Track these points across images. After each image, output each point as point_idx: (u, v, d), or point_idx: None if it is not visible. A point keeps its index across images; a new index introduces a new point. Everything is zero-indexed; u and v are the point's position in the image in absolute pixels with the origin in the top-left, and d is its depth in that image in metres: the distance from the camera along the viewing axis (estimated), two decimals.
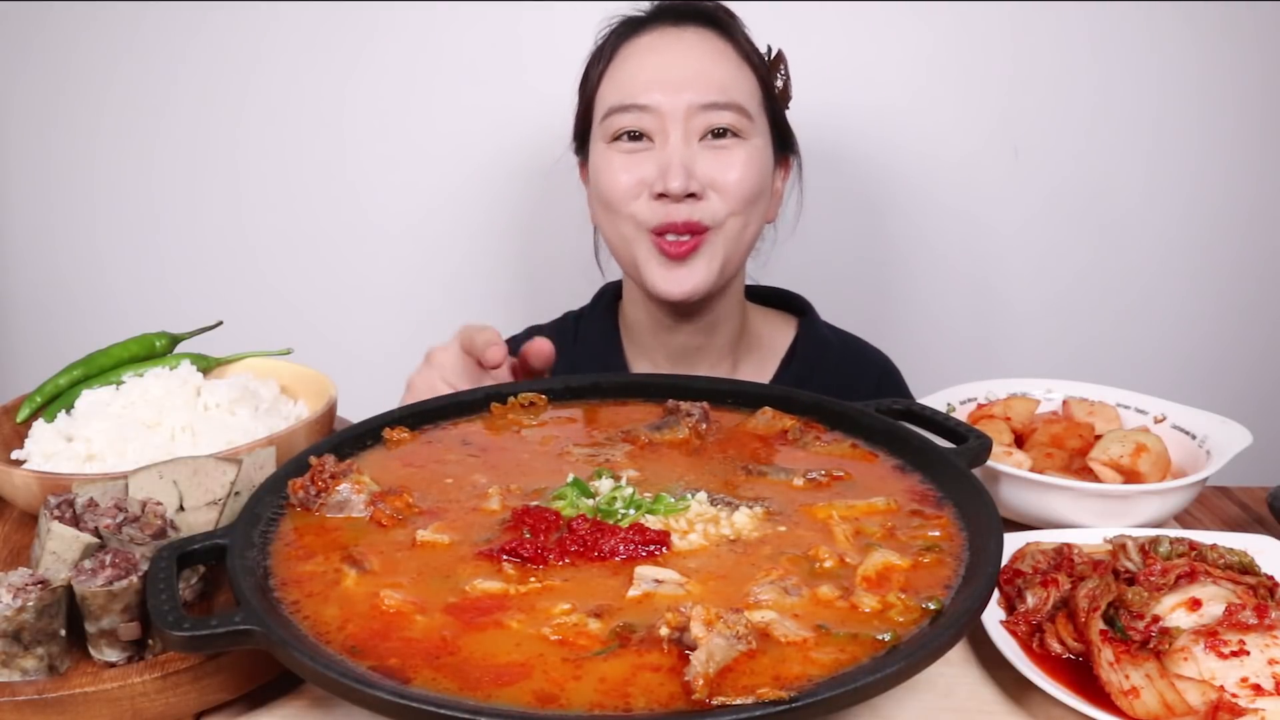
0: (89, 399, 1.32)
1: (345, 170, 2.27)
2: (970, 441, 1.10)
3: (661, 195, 1.47)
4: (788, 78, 1.60)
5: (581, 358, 1.71)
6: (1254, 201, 2.26)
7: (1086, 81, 2.20)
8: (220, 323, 1.52)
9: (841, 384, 1.66)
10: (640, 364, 1.70)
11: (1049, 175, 2.25)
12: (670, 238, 1.49)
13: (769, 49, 1.58)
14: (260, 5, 2.18)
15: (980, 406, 1.38)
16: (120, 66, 2.23)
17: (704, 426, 1.20)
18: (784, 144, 1.62)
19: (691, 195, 1.47)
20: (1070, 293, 2.32)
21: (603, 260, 1.75)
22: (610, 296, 1.77)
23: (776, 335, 1.74)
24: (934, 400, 1.36)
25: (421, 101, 2.23)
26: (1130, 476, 1.21)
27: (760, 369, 1.71)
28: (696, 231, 1.49)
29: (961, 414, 1.36)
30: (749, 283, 1.74)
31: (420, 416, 1.22)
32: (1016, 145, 2.22)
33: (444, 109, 2.23)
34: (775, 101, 1.58)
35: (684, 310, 1.59)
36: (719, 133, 1.49)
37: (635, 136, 1.51)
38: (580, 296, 1.84)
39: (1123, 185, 2.25)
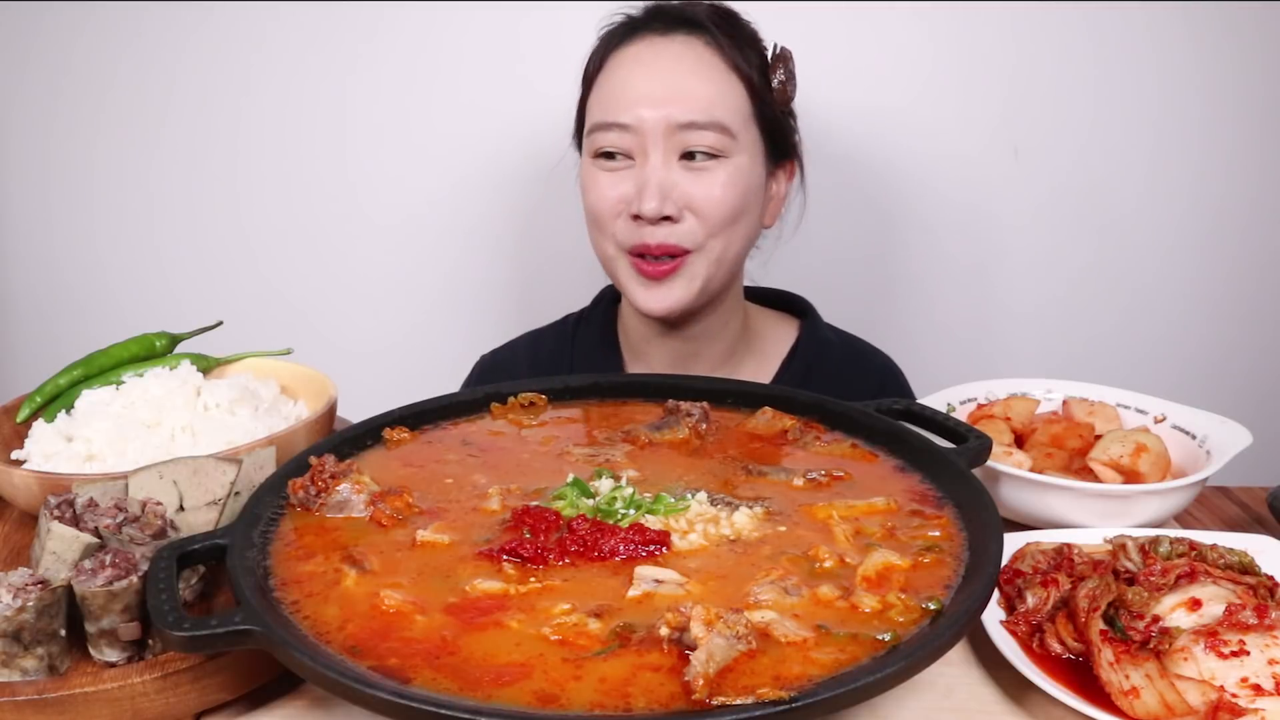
0: (89, 399, 1.32)
1: (346, 170, 2.27)
2: (970, 441, 1.10)
3: (637, 216, 1.47)
4: (789, 77, 1.58)
5: (579, 362, 1.72)
6: (1254, 201, 2.26)
7: (1087, 82, 2.19)
8: (220, 323, 1.52)
9: (842, 385, 1.66)
10: (635, 368, 1.71)
11: (1049, 175, 2.25)
12: (648, 258, 1.50)
13: (774, 46, 1.57)
14: (260, 5, 2.18)
15: (980, 406, 1.38)
16: (120, 66, 2.22)
17: (704, 426, 1.20)
18: (781, 149, 1.61)
19: (667, 218, 1.47)
20: (1070, 293, 2.32)
21: None
22: (609, 301, 1.77)
23: (777, 337, 1.74)
24: (934, 400, 1.36)
25: (421, 101, 2.23)
26: (1130, 476, 1.21)
27: (759, 370, 1.71)
28: (673, 254, 1.49)
29: (961, 414, 1.36)
30: (749, 284, 1.74)
31: (420, 416, 1.23)
32: (1016, 146, 2.22)
33: (444, 109, 2.23)
34: (769, 107, 1.55)
35: (672, 322, 1.60)
36: (699, 154, 1.48)
37: (614, 156, 1.51)
38: (580, 294, 1.84)
39: (1123, 185, 2.25)
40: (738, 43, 1.53)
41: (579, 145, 1.65)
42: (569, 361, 1.73)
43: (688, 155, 1.48)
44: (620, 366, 1.70)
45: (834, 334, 1.76)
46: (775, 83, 1.55)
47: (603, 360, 1.70)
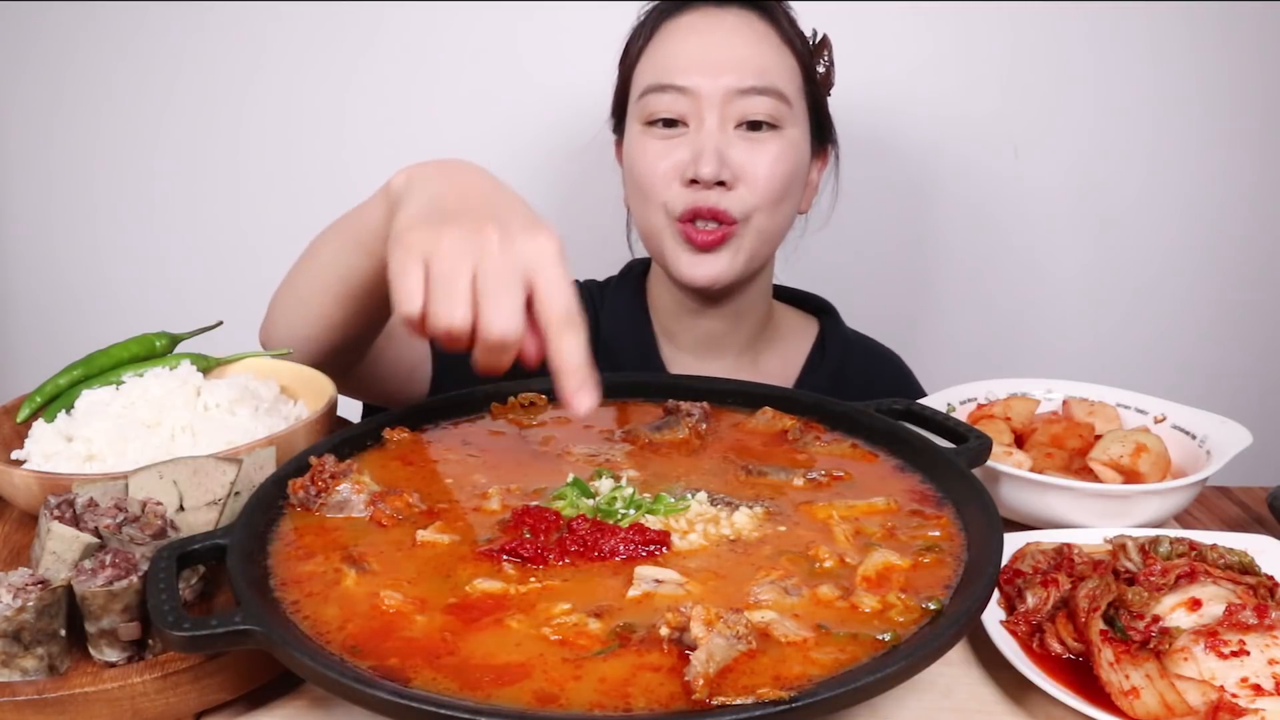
0: (89, 399, 1.32)
1: (347, 168, 2.27)
2: (970, 441, 1.10)
3: (693, 181, 1.47)
4: (831, 64, 1.59)
5: (609, 331, 1.69)
6: (1254, 201, 2.26)
7: (1087, 81, 2.20)
8: (220, 323, 1.51)
9: (868, 379, 1.69)
10: (665, 345, 1.70)
11: (1050, 174, 2.25)
12: (699, 224, 1.49)
13: (814, 33, 1.58)
14: (260, 5, 2.18)
15: (980, 406, 1.38)
16: (120, 66, 2.23)
17: (704, 426, 1.20)
18: (822, 133, 1.61)
19: (721, 184, 1.47)
20: (1070, 292, 2.32)
21: (633, 240, 1.74)
22: (637, 273, 1.76)
23: (799, 331, 1.75)
24: (934, 400, 1.36)
25: (424, 97, 2.23)
26: (1130, 476, 1.21)
27: (784, 363, 1.71)
28: (723, 220, 1.48)
29: (961, 414, 1.36)
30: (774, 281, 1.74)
31: (420, 416, 1.23)
32: (1016, 145, 2.22)
33: (448, 104, 2.23)
34: (816, 88, 1.57)
35: (709, 296, 1.60)
36: (755, 124, 1.48)
37: (670, 123, 1.50)
38: None
39: (1122, 184, 2.25)
40: (790, 20, 1.55)
41: (616, 126, 1.64)
42: (595, 322, 1.70)
43: (744, 125, 1.48)
44: (652, 338, 1.69)
45: (851, 334, 1.77)
46: (820, 67, 1.56)
47: (633, 327, 1.68)
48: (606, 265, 1.81)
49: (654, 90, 1.50)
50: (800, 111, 1.53)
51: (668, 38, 1.52)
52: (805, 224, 1.70)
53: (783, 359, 1.72)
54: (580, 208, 2.22)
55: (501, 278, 0.91)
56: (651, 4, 1.59)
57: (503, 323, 0.90)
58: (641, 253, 1.72)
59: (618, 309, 1.71)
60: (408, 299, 0.92)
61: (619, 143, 1.65)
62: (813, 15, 1.61)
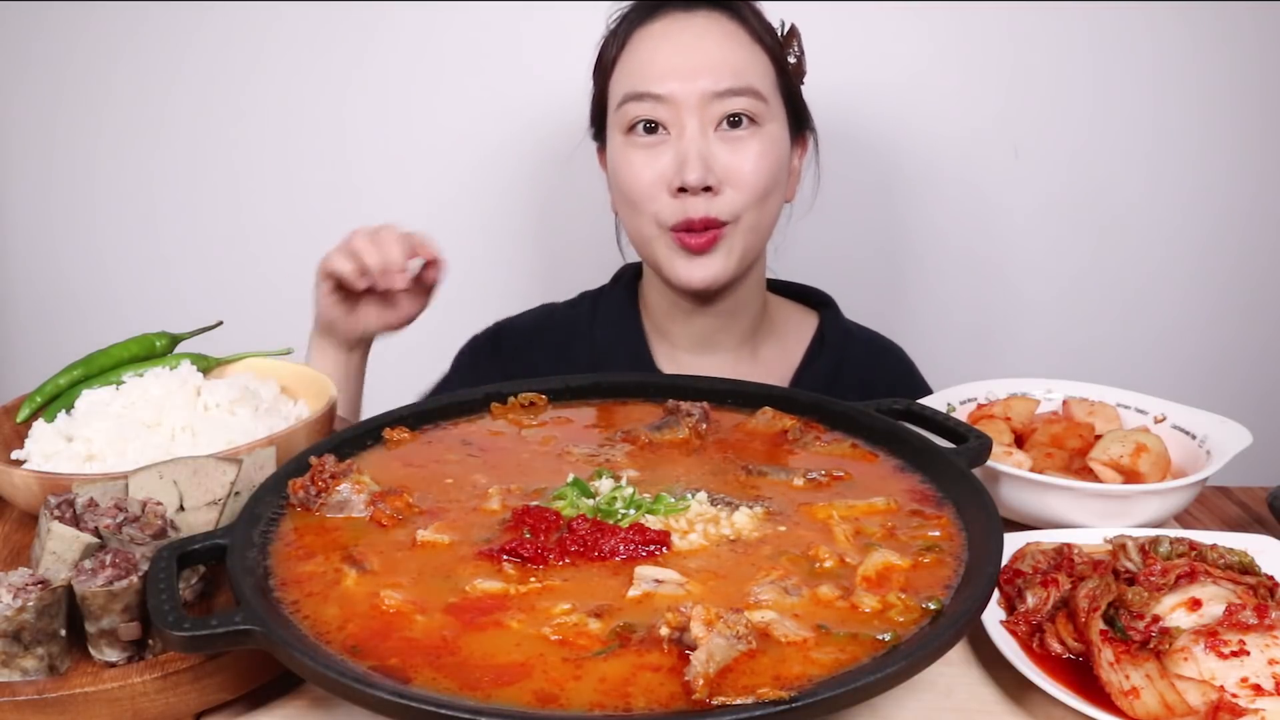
0: (89, 399, 1.32)
1: (347, 168, 2.27)
2: (970, 441, 1.10)
3: (680, 190, 1.47)
4: (801, 53, 1.59)
5: (602, 340, 1.70)
6: (1254, 201, 2.26)
7: (1087, 81, 2.20)
8: (220, 323, 1.51)
9: (868, 374, 1.69)
10: (660, 346, 1.70)
11: (1049, 174, 2.25)
12: (691, 232, 1.49)
13: (782, 24, 1.58)
14: (261, 4, 2.18)
15: (980, 406, 1.38)
16: (120, 66, 2.23)
17: (704, 426, 1.20)
18: (800, 122, 1.62)
19: (708, 189, 1.47)
20: (1070, 292, 2.32)
21: (623, 244, 1.74)
22: (630, 277, 1.76)
23: (798, 324, 1.75)
24: (934, 400, 1.36)
25: (423, 96, 2.23)
26: (1130, 476, 1.21)
27: (783, 357, 1.71)
28: (714, 227, 1.49)
29: (961, 414, 1.36)
30: (769, 275, 1.74)
31: (420, 416, 1.23)
32: (1016, 145, 2.22)
33: (447, 103, 2.23)
34: (790, 79, 1.57)
35: (704, 297, 1.60)
36: (734, 121, 1.49)
37: (651, 129, 1.50)
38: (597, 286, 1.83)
39: (1123, 184, 2.25)
40: (757, 15, 1.55)
41: (597, 134, 1.64)
42: (590, 340, 1.71)
43: (724, 123, 1.48)
44: (645, 345, 1.69)
45: (852, 326, 1.77)
46: (791, 58, 1.56)
47: (627, 338, 1.69)
48: (598, 267, 1.82)
49: (632, 99, 1.50)
50: (777, 106, 1.54)
51: (640, 45, 1.53)
52: (790, 211, 1.70)
53: (782, 352, 1.71)
54: (573, 210, 2.22)
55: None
56: (620, 9, 1.59)
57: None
58: (633, 256, 1.72)
59: (610, 314, 1.72)
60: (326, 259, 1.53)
61: (600, 150, 1.65)
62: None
